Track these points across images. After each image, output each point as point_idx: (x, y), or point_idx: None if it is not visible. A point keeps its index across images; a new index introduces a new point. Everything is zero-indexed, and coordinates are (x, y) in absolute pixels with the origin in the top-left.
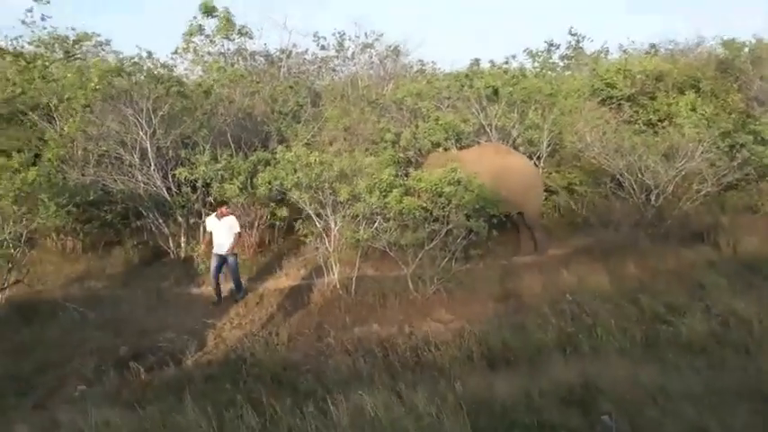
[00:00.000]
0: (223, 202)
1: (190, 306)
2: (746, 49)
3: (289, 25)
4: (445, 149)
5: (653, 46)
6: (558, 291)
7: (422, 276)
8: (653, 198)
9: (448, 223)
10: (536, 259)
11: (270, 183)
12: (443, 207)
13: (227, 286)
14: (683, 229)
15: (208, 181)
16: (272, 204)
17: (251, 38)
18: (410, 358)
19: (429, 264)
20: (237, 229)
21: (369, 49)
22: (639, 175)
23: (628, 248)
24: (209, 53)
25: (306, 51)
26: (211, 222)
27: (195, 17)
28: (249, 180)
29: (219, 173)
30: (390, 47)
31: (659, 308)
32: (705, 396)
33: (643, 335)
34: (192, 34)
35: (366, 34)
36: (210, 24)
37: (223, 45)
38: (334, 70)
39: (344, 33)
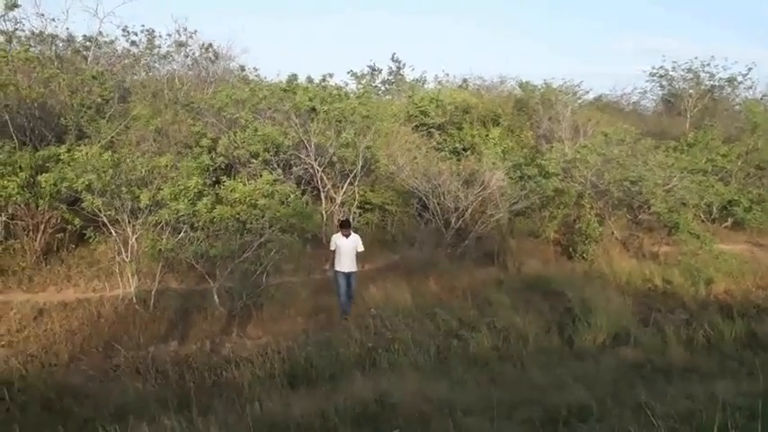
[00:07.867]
0: (346, 222)
1: None
2: (539, 92)
3: (101, 13)
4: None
5: (465, 80)
6: (365, 306)
7: (230, 291)
8: (453, 220)
9: (261, 236)
10: None
11: (55, 184)
12: (257, 219)
13: None
14: (478, 250)
15: None
16: (62, 207)
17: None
18: (209, 378)
19: (239, 277)
20: (361, 248)
21: (183, 48)
22: (443, 199)
23: (429, 266)
24: None
25: (115, 40)
26: (338, 241)
27: None
28: (34, 178)
29: None
30: (203, 45)
31: (452, 323)
32: (486, 410)
33: (436, 349)
34: None
35: (179, 32)
36: None
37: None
38: (149, 67)
39: (154, 31)
